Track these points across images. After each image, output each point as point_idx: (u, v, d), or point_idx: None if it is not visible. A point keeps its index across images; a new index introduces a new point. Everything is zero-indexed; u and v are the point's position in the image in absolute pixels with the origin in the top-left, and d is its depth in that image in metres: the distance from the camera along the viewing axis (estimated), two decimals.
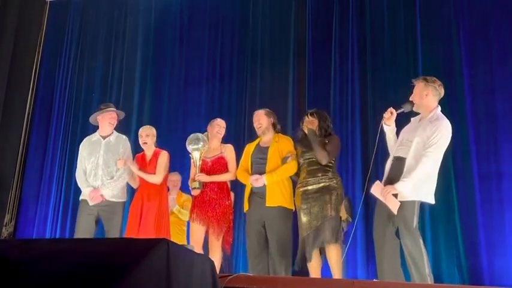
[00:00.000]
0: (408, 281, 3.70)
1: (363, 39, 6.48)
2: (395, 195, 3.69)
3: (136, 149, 5.39)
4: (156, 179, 4.84)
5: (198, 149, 4.61)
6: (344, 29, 6.59)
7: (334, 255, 4.24)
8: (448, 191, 5.45)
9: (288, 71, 6.73)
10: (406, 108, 3.98)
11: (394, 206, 3.66)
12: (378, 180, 3.86)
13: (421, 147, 3.74)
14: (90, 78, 7.59)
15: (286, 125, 6.12)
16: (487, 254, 5.32)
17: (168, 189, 5.39)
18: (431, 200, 3.80)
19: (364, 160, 6.07)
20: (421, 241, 3.67)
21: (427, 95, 3.90)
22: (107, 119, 4.97)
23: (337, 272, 4.23)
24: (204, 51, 7.26)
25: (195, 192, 4.63)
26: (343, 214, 4.43)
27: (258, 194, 4.51)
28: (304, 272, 4.73)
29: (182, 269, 1.83)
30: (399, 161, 3.84)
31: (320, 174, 4.38)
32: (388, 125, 3.99)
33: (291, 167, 4.50)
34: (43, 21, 7.82)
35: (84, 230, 4.73)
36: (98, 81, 7.58)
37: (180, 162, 5.72)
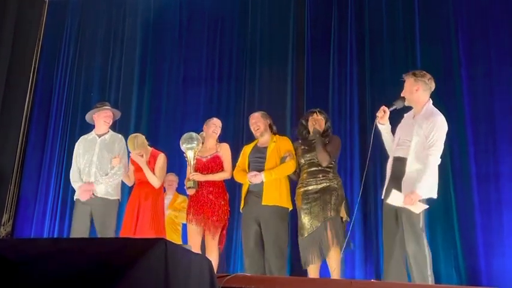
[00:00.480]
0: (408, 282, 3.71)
1: (361, 39, 6.49)
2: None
3: None
4: (155, 182, 4.84)
5: (191, 148, 4.61)
6: (343, 29, 6.59)
7: (334, 256, 4.24)
8: (446, 191, 5.45)
9: (286, 71, 6.73)
10: (398, 105, 3.99)
11: (420, 209, 3.67)
12: (394, 190, 3.77)
13: (420, 148, 3.74)
14: (88, 78, 7.58)
15: (284, 125, 6.12)
16: (485, 254, 5.33)
17: (165, 190, 5.39)
18: (434, 195, 3.80)
19: (363, 160, 6.07)
20: (426, 242, 3.67)
21: (417, 90, 3.90)
22: (102, 118, 4.99)
23: (336, 274, 4.23)
24: (203, 52, 7.26)
25: (190, 192, 4.63)
26: (344, 215, 4.43)
27: (255, 192, 4.51)
28: (302, 272, 4.74)
29: (180, 269, 1.83)
30: (400, 161, 3.84)
31: (321, 175, 4.39)
32: (383, 123, 3.99)
33: (290, 166, 4.51)
34: (42, 20, 7.80)
35: (80, 229, 4.73)
36: (96, 80, 7.57)
37: (178, 163, 5.72)
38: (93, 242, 2.17)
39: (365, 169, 4.18)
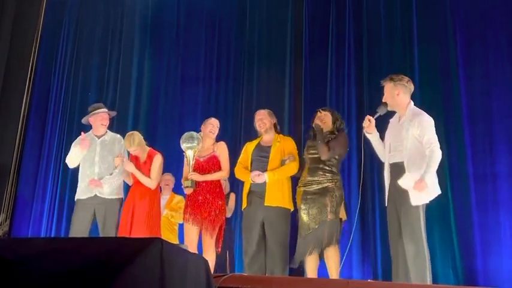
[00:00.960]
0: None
1: (359, 40, 6.49)
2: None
3: None
4: (151, 184, 4.82)
5: (191, 148, 4.61)
6: (341, 30, 6.60)
7: (333, 257, 4.24)
8: (443, 192, 5.43)
9: (284, 71, 6.74)
10: (381, 111, 4.04)
11: (422, 201, 3.72)
12: (407, 172, 3.79)
13: (413, 149, 3.77)
14: (86, 77, 7.58)
15: (282, 125, 6.12)
16: (482, 254, 5.34)
17: (161, 189, 5.38)
18: (438, 191, 3.84)
19: (359, 160, 6.07)
20: (426, 243, 3.68)
21: (398, 94, 3.96)
22: (98, 121, 5.01)
23: (334, 274, 4.23)
24: (201, 51, 7.26)
25: (188, 191, 4.62)
26: (343, 215, 4.42)
27: (257, 193, 4.50)
28: (300, 272, 4.74)
29: (176, 269, 1.83)
30: (397, 167, 3.84)
31: (320, 173, 4.37)
32: (370, 132, 4.02)
33: (292, 168, 4.52)
34: (39, 19, 7.79)
35: (79, 229, 4.73)
36: (94, 80, 7.57)
37: (175, 163, 5.71)
38: (89, 242, 2.17)
39: (361, 174, 4.16)
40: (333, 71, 6.52)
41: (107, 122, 5.06)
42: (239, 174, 4.75)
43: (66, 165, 5.28)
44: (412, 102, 3.99)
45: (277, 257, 4.36)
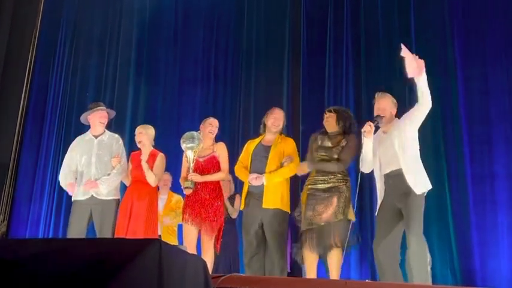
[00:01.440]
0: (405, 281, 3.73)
1: (357, 40, 6.50)
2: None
3: (131, 148, 5.38)
4: (153, 180, 4.84)
5: (192, 148, 4.58)
6: (338, 30, 6.61)
7: (335, 258, 4.22)
8: (441, 192, 5.47)
9: (282, 72, 6.74)
10: (380, 123, 4.05)
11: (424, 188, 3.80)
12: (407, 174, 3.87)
13: (405, 150, 3.83)
14: (84, 78, 7.58)
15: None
16: (480, 255, 5.35)
17: (158, 189, 5.38)
18: (429, 185, 3.88)
19: (358, 161, 6.08)
20: (426, 243, 3.70)
21: (393, 113, 4.08)
22: (97, 118, 4.97)
23: (335, 275, 4.21)
24: (199, 52, 7.26)
25: (187, 192, 4.61)
26: (352, 216, 4.39)
27: (255, 194, 4.49)
28: (297, 271, 4.74)
29: (174, 270, 1.83)
30: (394, 177, 3.86)
31: (330, 175, 4.35)
32: (369, 137, 4.02)
33: (291, 169, 4.50)
34: (37, 19, 7.79)
35: (76, 230, 4.71)
36: (92, 80, 7.56)
37: (173, 163, 5.70)
38: (87, 243, 2.16)
39: (357, 183, 4.14)
40: (330, 71, 6.53)
41: (105, 120, 5.02)
42: (238, 173, 4.73)
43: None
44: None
45: (276, 258, 4.36)
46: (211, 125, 4.80)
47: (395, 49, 6.26)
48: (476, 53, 5.91)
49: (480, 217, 5.46)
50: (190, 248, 4.38)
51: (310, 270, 4.26)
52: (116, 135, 5.09)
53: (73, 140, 5.22)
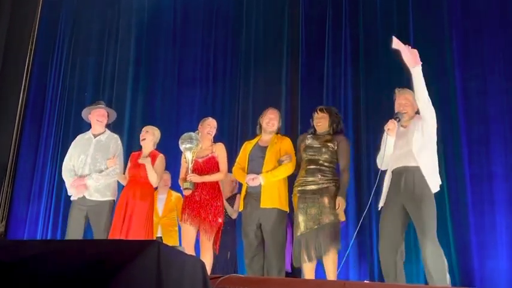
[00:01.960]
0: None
1: (356, 40, 6.50)
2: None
3: (130, 148, 5.38)
4: (155, 181, 4.85)
5: (190, 149, 4.58)
6: (337, 30, 6.60)
7: (331, 259, 4.23)
8: (439, 192, 5.45)
9: (281, 72, 6.74)
10: (401, 117, 3.97)
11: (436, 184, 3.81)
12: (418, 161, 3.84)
13: (421, 144, 3.81)
14: (82, 77, 7.57)
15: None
16: (478, 255, 5.35)
17: (156, 189, 5.37)
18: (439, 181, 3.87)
19: (357, 161, 6.09)
20: (442, 250, 3.67)
21: (415, 108, 3.98)
22: (95, 116, 4.98)
23: (332, 276, 4.22)
24: (197, 52, 7.26)
25: (187, 193, 4.61)
26: (342, 217, 4.40)
27: (253, 195, 4.49)
28: (297, 272, 4.74)
29: (173, 271, 1.83)
30: (407, 172, 3.80)
31: (319, 175, 4.35)
32: (393, 135, 3.93)
33: (288, 168, 4.49)
34: (36, 18, 7.78)
35: (74, 231, 4.71)
36: (90, 80, 7.56)
37: (172, 163, 5.70)
38: (86, 244, 2.16)
39: (377, 176, 4.05)
40: (329, 71, 6.53)
41: (103, 119, 5.01)
42: (236, 175, 4.74)
43: (62, 165, 5.26)
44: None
45: (274, 258, 4.36)
46: (210, 126, 4.80)
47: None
48: (474, 54, 5.91)
49: (478, 217, 5.45)
50: (188, 248, 4.37)
51: (309, 273, 4.27)
52: (115, 135, 5.08)
53: (72, 139, 5.23)
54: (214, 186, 4.67)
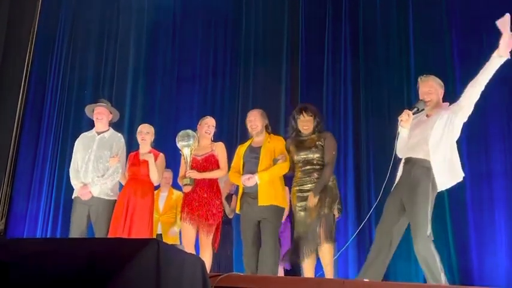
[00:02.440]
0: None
1: (355, 38, 6.50)
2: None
3: (130, 147, 5.37)
4: (156, 178, 4.86)
5: (188, 146, 4.59)
6: (337, 28, 6.60)
7: (327, 254, 4.25)
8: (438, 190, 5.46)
9: (280, 70, 6.74)
10: (420, 106, 3.82)
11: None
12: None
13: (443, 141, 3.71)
14: (82, 76, 7.57)
15: (278, 124, 6.12)
16: (477, 253, 5.35)
17: (157, 188, 5.38)
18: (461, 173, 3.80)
19: (356, 159, 6.10)
20: (433, 245, 3.65)
21: (440, 96, 3.85)
22: (95, 114, 4.99)
23: (329, 271, 4.24)
24: (197, 50, 7.25)
25: (186, 189, 4.61)
26: (336, 212, 4.43)
27: (250, 194, 4.49)
28: (296, 270, 4.74)
29: (172, 269, 1.83)
30: (414, 162, 3.72)
31: (316, 174, 4.36)
32: (406, 127, 3.80)
33: (283, 167, 4.49)
34: (35, 16, 7.78)
35: (77, 229, 4.71)
36: (90, 78, 7.55)
37: (172, 160, 5.71)
38: (86, 242, 2.17)
39: (388, 172, 3.96)
40: (329, 69, 6.53)
41: (102, 117, 5.00)
42: (232, 178, 4.74)
43: (61, 163, 5.27)
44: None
45: (269, 252, 4.34)
46: (208, 125, 4.79)
47: (394, 47, 6.32)
48: (474, 51, 5.90)
49: (477, 215, 5.46)
50: (188, 246, 4.38)
51: (308, 271, 4.28)
52: (119, 134, 5.09)
53: (71, 137, 5.25)
54: (213, 183, 4.67)
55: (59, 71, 7.65)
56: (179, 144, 4.61)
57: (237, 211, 4.65)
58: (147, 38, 7.49)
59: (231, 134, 6.55)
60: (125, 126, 6.76)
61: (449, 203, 5.56)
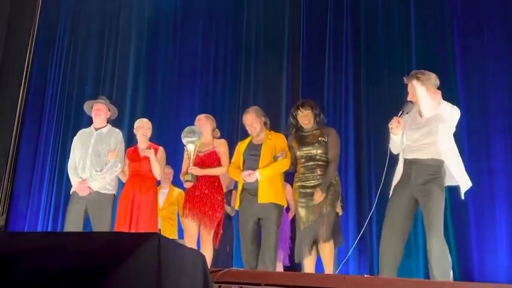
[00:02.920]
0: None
1: (357, 35, 6.49)
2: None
3: (129, 142, 5.37)
4: (158, 173, 4.87)
5: (193, 142, 4.59)
6: (338, 24, 6.59)
7: (327, 250, 4.25)
8: None
9: (281, 66, 6.73)
10: (407, 110, 3.81)
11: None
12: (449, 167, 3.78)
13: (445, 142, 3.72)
14: (82, 72, 7.56)
15: (279, 120, 6.13)
16: (478, 250, 5.35)
17: (159, 183, 5.39)
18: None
19: (357, 155, 6.10)
20: (447, 246, 3.65)
21: (433, 93, 3.78)
22: (93, 111, 5.00)
23: (329, 268, 4.24)
24: (198, 46, 7.24)
25: (188, 185, 4.62)
26: (339, 210, 4.43)
27: (250, 190, 4.49)
28: (296, 266, 4.75)
29: (173, 264, 1.83)
30: (418, 163, 3.70)
31: (318, 171, 4.35)
32: (397, 134, 3.79)
33: (284, 164, 4.49)
34: (36, 13, 7.76)
35: (73, 222, 4.71)
36: (90, 74, 7.54)
37: (172, 156, 5.71)
38: (86, 236, 2.16)
39: (383, 175, 3.95)
40: (330, 65, 6.52)
41: (100, 113, 5.00)
42: (232, 174, 4.73)
43: (62, 160, 5.27)
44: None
45: (269, 248, 4.34)
46: (206, 123, 4.82)
47: (395, 43, 6.31)
48: (475, 49, 5.90)
49: (478, 212, 5.46)
50: (190, 243, 4.39)
51: (309, 268, 4.28)
52: (117, 130, 5.09)
53: (72, 133, 5.24)
54: (215, 180, 4.68)
55: (59, 67, 7.64)
56: (184, 140, 4.61)
57: (236, 207, 4.65)
58: (148, 33, 7.47)
59: (232, 130, 6.54)
60: (125, 123, 6.76)
61: (450, 200, 5.56)
